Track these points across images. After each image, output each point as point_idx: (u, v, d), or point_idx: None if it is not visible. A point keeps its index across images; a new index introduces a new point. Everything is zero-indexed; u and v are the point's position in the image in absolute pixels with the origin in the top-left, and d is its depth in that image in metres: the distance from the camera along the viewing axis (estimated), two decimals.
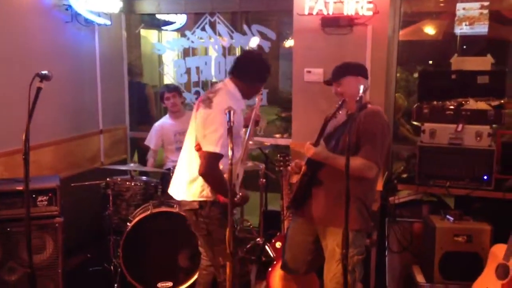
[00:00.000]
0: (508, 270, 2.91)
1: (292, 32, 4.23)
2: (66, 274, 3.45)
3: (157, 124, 4.53)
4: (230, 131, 2.32)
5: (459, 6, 4.23)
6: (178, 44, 5.13)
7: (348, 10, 3.89)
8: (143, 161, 4.80)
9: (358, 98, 2.43)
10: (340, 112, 2.76)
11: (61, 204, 3.39)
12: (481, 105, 3.69)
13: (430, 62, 4.15)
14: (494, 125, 3.59)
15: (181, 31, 5.90)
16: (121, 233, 3.76)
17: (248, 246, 4.08)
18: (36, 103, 2.46)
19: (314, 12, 3.97)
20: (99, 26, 4.70)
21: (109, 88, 4.95)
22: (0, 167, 3.63)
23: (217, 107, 2.72)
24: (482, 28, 4.22)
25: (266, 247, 3.90)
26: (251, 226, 4.48)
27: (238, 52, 5.02)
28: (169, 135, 4.45)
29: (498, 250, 3.03)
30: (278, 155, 3.61)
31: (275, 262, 3.56)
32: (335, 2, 3.91)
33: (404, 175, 3.98)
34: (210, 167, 2.69)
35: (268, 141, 4.62)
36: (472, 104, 3.71)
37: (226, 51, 4.95)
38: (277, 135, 5.05)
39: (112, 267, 3.84)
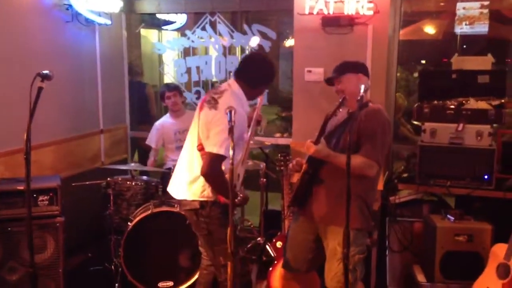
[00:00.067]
0: (509, 270, 2.91)
1: (292, 31, 4.23)
2: (67, 273, 3.45)
3: (157, 123, 4.53)
4: (231, 130, 2.32)
5: (459, 5, 4.24)
6: (179, 44, 5.13)
7: (349, 9, 3.89)
8: (143, 160, 4.80)
9: (359, 98, 2.43)
10: (341, 110, 2.76)
11: (62, 204, 3.40)
12: (482, 104, 3.69)
13: (430, 60, 4.14)
14: (494, 125, 3.60)
15: (181, 30, 5.90)
16: (122, 232, 3.76)
17: (249, 245, 4.07)
18: (37, 103, 2.46)
19: (315, 12, 3.96)
20: (100, 26, 4.70)
21: (109, 87, 4.95)
22: (0, 167, 3.63)
23: (223, 110, 2.71)
24: (482, 28, 4.22)
25: (267, 246, 3.90)
26: (252, 226, 4.48)
27: (238, 52, 5.03)
28: (170, 134, 4.45)
29: (499, 250, 3.03)
30: (279, 155, 3.61)
31: (275, 262, 3.57)
32: (335, 2, 3.91)
33: (405, 175, 3.99)
34: (212, 168, 2.68)
35: (268, 141, 4.62)
36: (473, 103, 3.71)
37: (227, 50, 4.94)
38: (278, 135, 5.05)
39: (113, 266, 3.84)
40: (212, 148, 2.69)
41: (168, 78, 5.46)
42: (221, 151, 2.66)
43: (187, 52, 5.05)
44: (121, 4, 4.82)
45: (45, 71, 2.52)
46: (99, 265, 4.06)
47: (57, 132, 4.28)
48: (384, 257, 3.84)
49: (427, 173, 3.66)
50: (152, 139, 4.50)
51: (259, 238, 4.09)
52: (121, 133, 5.24)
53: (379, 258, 3.81)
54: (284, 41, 6.02)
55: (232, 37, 4.86)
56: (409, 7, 4.57)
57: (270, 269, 3.57)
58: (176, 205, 3.65)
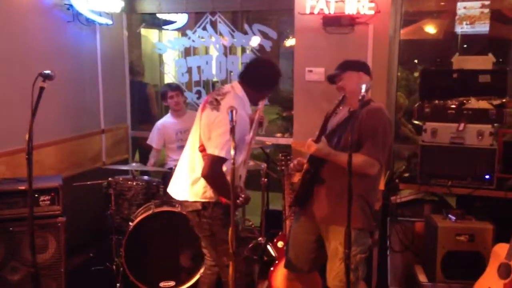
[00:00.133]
0: (510, 270, 2.91)
1: (293, 31, 4.23)
2: (68, 273, 3.46)
3: (159, 123, 4.54)
4: (232, 130, 2.33)
5: (460, 5, 4.23)
6: (179, 44, 5.13)
7: (350, 9, 3.89)
8: (144, 160, 4.81)
9: (360, 97, 2.42)
10: (341, 108, 2.77)
11: (63, 204, 3.40)
12: (483, 104, 3.68)
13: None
14: (495, 124, 3.59)
15: (182, 30, 5.91)
16: (123, 232, 3.76)
17: (250, 245, 4.08)
18: (39, 102, 2.47)
19: (316, 11, 3.96)
20: (101, 26, 4.71)
21: (110, 87, 4.95)
22: (1, 166, 3.63)
23: (225, 111, 2.70)
24: (483, 27, 4.22)
25: (268, 246, 3.90)
26: (253, 226, 4.48)
27: (239, 52, 5.02)
28: (171, 134, 4.45)
29: (500, 250, 3.03)
30: (280, 155, 3.61)
31: (277, 262, 3.57)
32: (336, 1, 3.91)
33: (406, 175, 3.99)
34: (213, 170, 2.69)
35: (269, 141, 4.63)
36: (474, 103, 3.70)
37: (227, 50, 4.94)
38: (278, 135, 5.05)
39: (114, 266, 3.84)
40: (214, 150, 2.69)
41: (169, 78, 5.46)
42: (222, 153, 2.66)
43: (188, 52, 5.05)
44: (122, 4, 4.82)
45: (47, 71, 2.54)
46: (100, 265, 4.06)
47: (58, 132, 4.29)
48: (385, 257, 3.84)
49: (428, 173, 3.66)
50: (153, 139, 4.50)
51: (260, 238, 4.09)
52: (122, 133, 5.24)
53: (381, 258, 3.81)
54: (285, 41, 6.02)
55: (233, 36, 4.86)
56: (410, 7, 4.57)
57: (271, 269, 3.57)
58: (177, 205, 3.65)
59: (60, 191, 3.39)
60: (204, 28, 4.94)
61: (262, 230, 4.19)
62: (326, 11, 3.94)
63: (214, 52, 5.01)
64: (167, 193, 3.13)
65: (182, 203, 3.01)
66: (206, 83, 5.10)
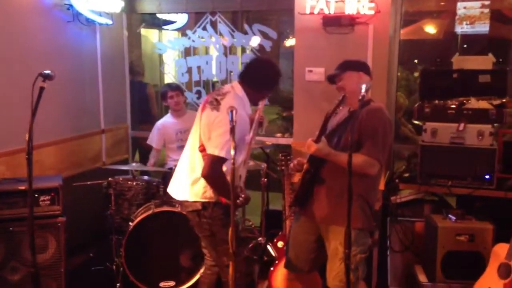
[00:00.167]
0: (510, 270, 2.91)
1: (293, 31, 4.23)
2: (68, 273, 3.46)
3: (159, 123, 4.54)
4: (232, 130, 2.33)
5: (460, 5, 4.23)
6: (179, 44, 5.13)
7: (350, 9, 3.89)
8: (144, 160, 4.81)
9: (360, 97, 2.42)
10: (341, 108, 2.77)
11: (63, 204, 3.40)
12: (483, 104, 3.68)
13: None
14: (495, 124, 3.59)
15: (182, 30, 5.91)
16: (123, 232, 3.76)
17: (250, 245, 4.08)
18: (39, 102, 2.47)
19: (316, 11, 3.96)
20: (101, 26, 4.71)
21: (110, 87, 4.95)
22: (1, 166, 3.63)
23: (225, 111, 2.70)
24: (483, 27, 4.21)
25: (268, 246, 3.90)
26: (253, 226, 4.48)
27: (239, 52, 5.02)
28: (171, 134, 4.45)
29: (500, 250, 3.03)
30: (280, 155, 3.61)
31: (277, 262, 3.57)
32: (336, 1, 3.91)
33: (406, 175, 3.99)
34: (213, 170, 2.69)
35: (269, 141, 4.63)
36: (474, 103, 3.70)
37: (227, 50, 4.94)
38: (278, 135, 5.05)
39: (114, 266, 3.84)
40: (213, 150, 2.69)
41: (169, 78, 5.46)
42: (222, 153, 2.66)
43: (188, 52, 5.05)
44: (122, 4, 4.82)
45: (47, 71, 2.54)
46: (100, 265, 4.06)
47: (58, 132, 4.29)
48: (385, 257, 3.84)
49: (428, 173, 3.66)
50: (153, 139, 4.50)
51: (260, 238, 4.09)
52: (122, 133, 5.24)
53: (381, 258, 3.81)
54: (285, 41, 6.02)
55: (233, 36, 4.86)
56: (410, 7, 4.57)
57: (271, 269, 3.57)
58: (177, 205, 3.65)
59: (60, 191, 3.39)
60: (204, 28, 4.94)
61: (262, 230, 4.19)
62: (326, 11, 3.94)
63: (214, 52, 5.01)
64: (167, 193, 3.13)
65: (182, 203, 3.01)
66: (206, 83, 5.10)
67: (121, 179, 3.97)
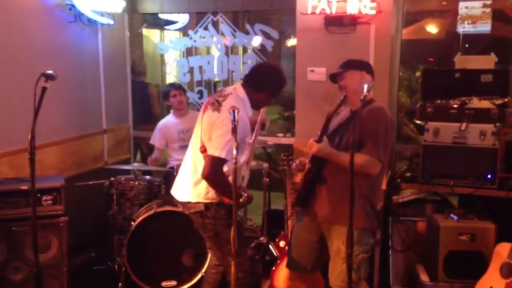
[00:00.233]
0: None
1: (294, 31, 4.23)
2: (70, 273, 3.46)
3: (161, 123, 4.54)
4: (234, 130, 2.33)
5: (462, 4, 4.22)
6: (181, 44, 5.13)
7: (351, 9, 3.88)
8: (146, 160, 4.81)
9: (362, 97, 2.42)
10: (342, 107, 2.76)
11: (65, 204, 3.40)
12: (485, 103, 3.68)
13: (431, 59, 4.13)
14: (498, 124, 3.59)
15: (183, 30, 5.92)
16: (125, 232, 3.77)
17: (252, 245, 4.08)
18: (41, 102, 2.47)
19: (317, 11, 3.96)
20: (102, 26, 4.71)
21: (112, 87, 4.96)
22: (4, 166, 3.64)
23: (226, 112, 2.70)
24: (484, 27, 4.21)
25: (270, 246, 3.90)
26: (255, 225, 4.48)
27: (240, 51, 5.03)
28: (173, 134, 4.46)
29: (502, 249, 3.03)
30: (282, 154, 3.61)
31: (278, 261, 3.57)
32: (338, 1, 3.91)
33: (408, 174, 3.98)
34: (213, 170, 2.69)
35: (271, 140, 4.63)
36: (476, 102, 3.70)
37: (229, 50, 4.95)
38: (280, 134, 5.05)
39: (116, 266, 3.85)
40: (214, 151, 2.69)
41: (171, 78, 5.47)
42: (222, 154, 2.66)
43: (189, 52, 5.06)
44: (123, 4, 4.82)
45: (49, 71, 2.54)
46: (102, 265, 4.07)
47: (60, 132, 4.29)
48: (387, 256, 3.84)
49: (430, 173, 3.65)
50: (155, 139, 4.51)
51: (262, 238, 4.10)
52: (124, 133, 5.24)
53: (382, 257, 3.81)
54: (287, 41, 6.03)
55: (234, 36, 4.86)
56: (411, 7, 4.57)
57: (273, 268, 3.57)
58: (179, 205, 3.65)
59: (62, 191, 3.39)
60: (206, 28, 4.94)
61: (264, 230, 4.20)
62: (328, 11, 3.94)
63: (215, 52, 5.02)
64: (169, 192, 3.13)
65: (185, 204, 3.01)
66: (207, 83, 5.10)
67: (123, 179, 3.98)
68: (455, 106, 3.70)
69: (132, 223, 3.75)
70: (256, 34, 4.74)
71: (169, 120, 4.54)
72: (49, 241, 3.36)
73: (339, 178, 2.63)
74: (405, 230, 3.80)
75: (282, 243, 3.64)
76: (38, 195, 3.27)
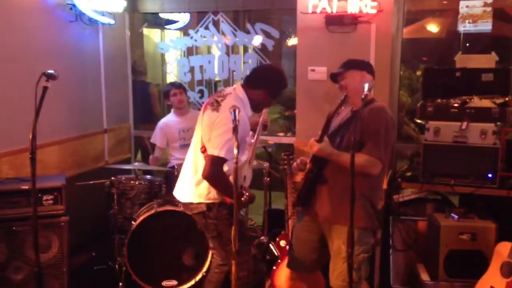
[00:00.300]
0: None
1: (295, 30, 4.23)
2: (71, 272, 3.47)
3: (161, 122, 4.54)
4: (235, 129, 2.33)
5: (462, 3, 4.22)
6: (182, 43, 5.13)
7: (352, 8, 3.88)
8: (146, 160, 4.81)
9: (363, 96, 2.42)
10: (343, 107, 2.76)
11: (66, 203, 3.40)
12: (486, 103, 3.68)
13: (424, 58, 4.12)
14: (498, 123, 3.59)
15: (184, 30, 5.91)
16: (125, 232, 3.78)
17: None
18: (42, 102, 2.47)
19: (318, 11, 3.96)
20: (103, 26, 4.71)
21: (113, 87, 4.96)
22: (4, 166, 3.64)
23: (225, 112, 2.70)
24: (485, 26, 4.20)
25: (271, 245, 3.90)
26: (255, 225, 4.49)
27: (241, 51, 5.03)
28: (174, 133, 4.46)
29: (503, 248, 3.03)
30: (282, 154, 3.61)
31: (279, 261, 3.57)
32: (339, 1, 3.90)
33: (408, 173, 3.99)
34: (213, 170, 2.69)
35: (271, 140, 4.63)
36: (477, 102, 3.70)
37: (230, 49, 4.94)
38: (281, 134, 5.05)
39: (116, 265, 3.85)
40: (213, 150, 2.69)
41: (171, 77, 5.47)
42: (222, 154, 2.66)
43: (190, 51, 5.05)
44: (124, 3, 4.82)
45: (50, 71, 2.55)
46: (103, 264, 4.07)
47: (61, 132, 4.29)
48: (388, 256, 3.84)
49: (431, 172, 3.66)
50: (156, 138, 4.51)
51: (262, 237, 4.10)
52: (124, 132, 5.25)
53: (383, 257, 3.81)
54: (287, 40, 6.02)
55: (235, 36, 4.86)
56: (412, 6, 4.56)
57: (274, 268, 3.57)
58: (179, 204, 3.65)
59: (63, 190, 3.39)
60: (207, 28, 4.93)
61: (264, 229, 4.20)
62: (329, 10, 3.94)
63: (216, 52, 5.01)
64: (170, 192, 3.13)
65: (187, 205, 3.01)
66: (208, 83, 5.10)
67: (123, 178, 3.98)
68: (455, 105, 3.70)
69: (133, 222, 3.75)
70: (256, 33, 4.73)
71: (169, 119, 4.54)
72: (50, 241, 3.37)
73: (340, 178, 2.63)
74: (405, 229, 3.80)
75: (282, 243, 3.64)
76: (39, 194, 3.28)
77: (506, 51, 4.48)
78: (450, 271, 3.44)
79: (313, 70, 4.13)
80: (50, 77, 2.53)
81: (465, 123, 3.55)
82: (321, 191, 2.79)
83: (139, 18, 5.51)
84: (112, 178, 3.91)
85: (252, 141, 2.98)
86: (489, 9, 4.16)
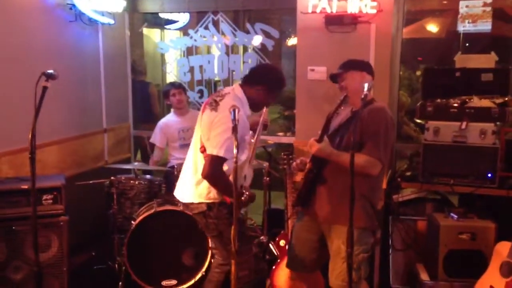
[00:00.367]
0: None
1: (295, 30, 4.23)
2: (70, 272, 3.47)
3: (161, 122, 4.55)
4: (234, 129, 2.33)
5: (462, 3, 4.22)
6: (181, 43, 5.13)
7: (352, 8, 3.89)
8: (146, 159, 4.82)
9: (363, 96, 2.42)
10: (342, 107, 2.76)
11: (66, 203, 3.40)
12: (485, 102, 3.68)
13: (420, 58, 4.13)
14: (498, 123, 3.59)
15: (184, 29, 5.92)
16: (125, 231, 3.77)
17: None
18: (42, 102, 2.48)
19: (318, 10, 3.96)
20: (103, 25, 4.71)
21: (112, 87, 4.96)
22: (4, 166, 3.64)
23: (224, 111, 2.71)
24: (485, 26, 4.20)
25: (270, 245, 3.90)
26: (255, 225, 4.49)
27: (241, 51, 5.03)
28: (173, 132, 4.46)
29: (502, 248, 3.03)
30: (282, 154, 3.61)
31: (279, 260, 3.57)
32: (338, 0, 3.91)
33: (408, 173, 3.99)
34: (212, 170, 2.69)
35: (271, 139, 4.63)
36: (476, 101, 3.70)
37: (229, 49, 4.94)
38: (280, 134, 5.05)
39: (116, 265, 3.85)
40: (212, 150, 2.69)
41: (171, 77, 5.47)
42: (221, 153, 2.67)
43: (190, 51, 5.06)
44: (124, 3, 4.82)
45: (50, 71, 2.55)
46: (102, 264, 4.08)
47: (60, 131, 4.29)
48: (387, 255, 3.84)
49: (431, 172, 3.65)
50: (156, 138, 4.51)
51: (262, 237, 4.10)
52: (124, 132, 5.25)
53: (383, 256, 3.81)
54: (287, 40, 6.03)
55: (235, 36, 4.86)
56: (412, 6, 4.56)
57: (273, 267, 3.57)
58: (179, 204, 3.65)
59: (62, 190, 3.39)
60: (206, 27, 4.93)
61: (264, 229, 4.20)
62: (329, 10, 3.94)
63: (216, 52, 5.02)
64: (169, 192, 3.13)
65: (188, 205, 3.01)
66: (208, 82, 5.10)
67: (123, 178, 3.98)
68: (455, 105, 3.70)
69: (133, 222, 3.75)
70: (256, 33, 4.73)
71: (169, 119, 4.55)
72: (50, 240, 3.37)
73: (340, 178, 2.63)
74: (405, 229, 3.80)
75: (282, 242, 3.64)
76: (39, 194, 3.28)
77: (505, 51, 4.49)
78: (450, 270, 3.44)
79: (312, 70, 4.13)
80: (49, 77, 2.53)
81: (464, 123, 3.55)
82: (320, 191, 2.79)
83: (139, 18, 5.51)
84: (112, 177, 3.91)
85: (252, 140, 2.98)
86: (488, 9, 4.16)
